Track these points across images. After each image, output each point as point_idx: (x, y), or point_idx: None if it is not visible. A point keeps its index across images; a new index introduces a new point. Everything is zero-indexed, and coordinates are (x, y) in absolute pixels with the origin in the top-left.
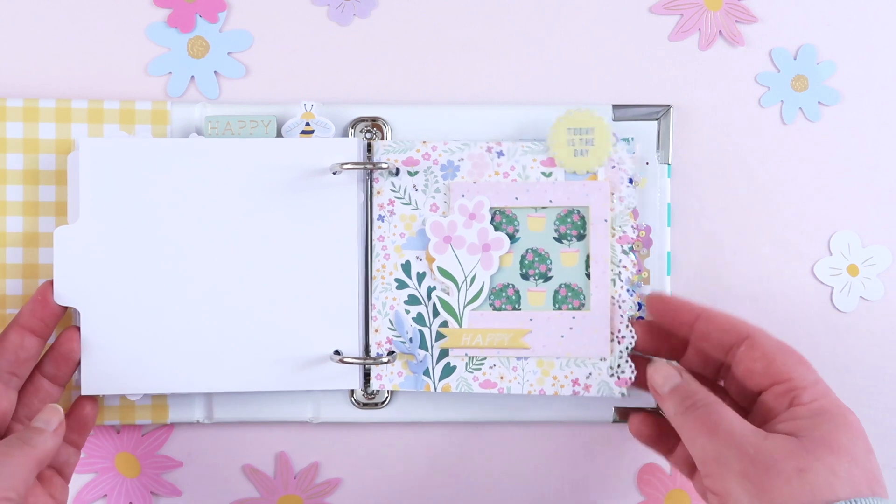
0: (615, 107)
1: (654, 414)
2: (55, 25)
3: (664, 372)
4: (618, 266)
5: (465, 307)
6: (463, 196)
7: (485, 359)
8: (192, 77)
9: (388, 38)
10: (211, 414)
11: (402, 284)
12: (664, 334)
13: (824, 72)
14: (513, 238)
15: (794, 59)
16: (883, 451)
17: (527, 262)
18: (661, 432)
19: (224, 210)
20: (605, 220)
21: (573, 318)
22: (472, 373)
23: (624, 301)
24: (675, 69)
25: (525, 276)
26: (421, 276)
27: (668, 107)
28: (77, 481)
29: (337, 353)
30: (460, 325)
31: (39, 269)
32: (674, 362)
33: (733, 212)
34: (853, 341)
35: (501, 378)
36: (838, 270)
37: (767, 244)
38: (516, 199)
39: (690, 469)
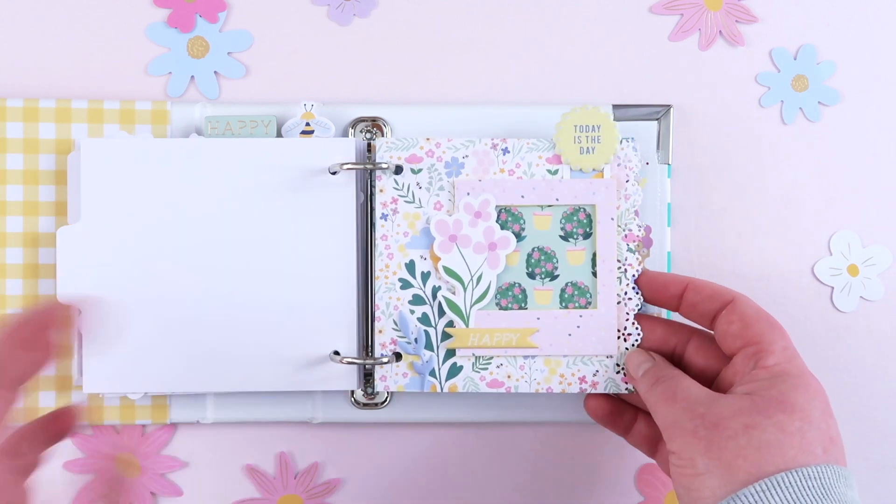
0: (615, 107)
1: (611, 394)
2: (55, 25)
3: (638, 358)
4: (623, 264)
5: (471, 307)
6: (468, 194)
7: (491, 358)
8: (192, 77)
9: (388, 38)
10: (211, 414)
11: (406, 284)
12: (669, 329)
13: (824, 72)
14: (519, 236)
15: (794, 59)
16: (883, 451)
17: (533, 260)
18: (616, 411)
19: (224, 210)
20: (612, 219)
21: (580, 316)
22: (478, 372)
23: (630, 299)
24: (675, 69)
25: (531, 275)
26: (425, 276)
27: (668, 107)
28: (77, 481)
29: (336, 353)
30: (467, 325)
31: (39, 269)
32: (652, 353)
33: (733, 212)
34: (853, 341)
35: (509, 377)
36: (838, 270)
37: (767, 244)
38: (522, 197)
39: (650, 447)
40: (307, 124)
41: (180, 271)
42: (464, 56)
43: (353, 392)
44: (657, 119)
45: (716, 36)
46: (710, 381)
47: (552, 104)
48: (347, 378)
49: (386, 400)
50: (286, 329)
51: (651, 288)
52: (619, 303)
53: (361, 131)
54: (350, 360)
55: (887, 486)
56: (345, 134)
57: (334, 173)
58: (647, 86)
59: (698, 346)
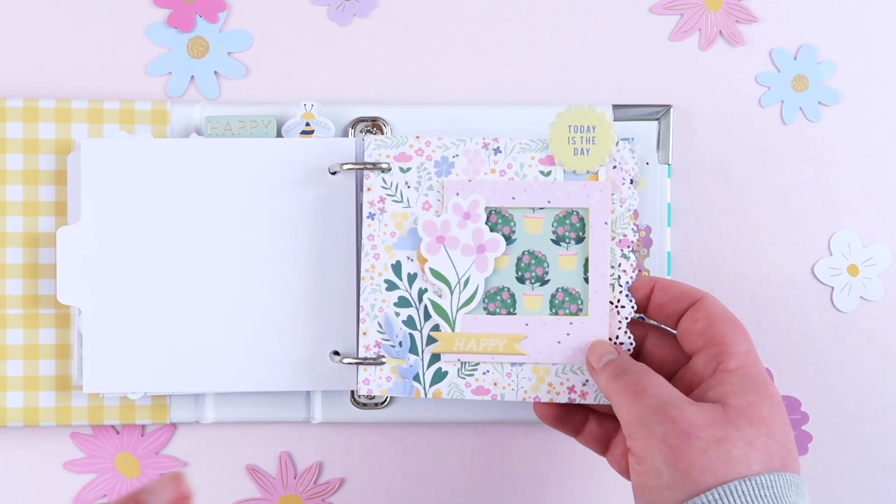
0: (615, 107)
1: None
2: (55, 25)
3: (601, 349)
4: (617, 270)
5: (458, 311)
6: (457, 194)
7: (478, 364)
8: (192, 77)
9: (388, 38)
10: (211, 414)
11: (391, 286)
12: (664, 338)
13: (824, 72)
14: (509, 239)
15: (795, 59)
16: (883, 451)
17: (523, 264)
18: (566, 413)
19: (224, 210)
20: (606, 223)
21: (570, 323)
22: (464, 378)
23: (623, 306)
24: (675, 69)
25: (521, 280)
26: (412, 278)
27: (668, 107)
28: (77, 481)
29: (336, 353)
30: (453, 330)
31: (39, 269)
32: (618, 347)
33: (733, 212)
34: (853, 341)
35: (495, 384)
36: (838, 270)
37: (767, 244)
38: (513, 198)
39: (602, 446)
40: (307, 124)
41: (180, 271)
42: (463, 56)
43: (353, 392)
44: (657, 119)
45: (716, 36)
46: (667, 379)
47: (552, 104)
48: (348, 378)
49: (386, 400)
50: (286, 329)
51: None
52: (611, 310)
53: (361, 131)
54: (350, 360)
55: (887, 486)
56: (345, 134)
57: (334, 173)
58: (647, 86)
59: (656, 343)
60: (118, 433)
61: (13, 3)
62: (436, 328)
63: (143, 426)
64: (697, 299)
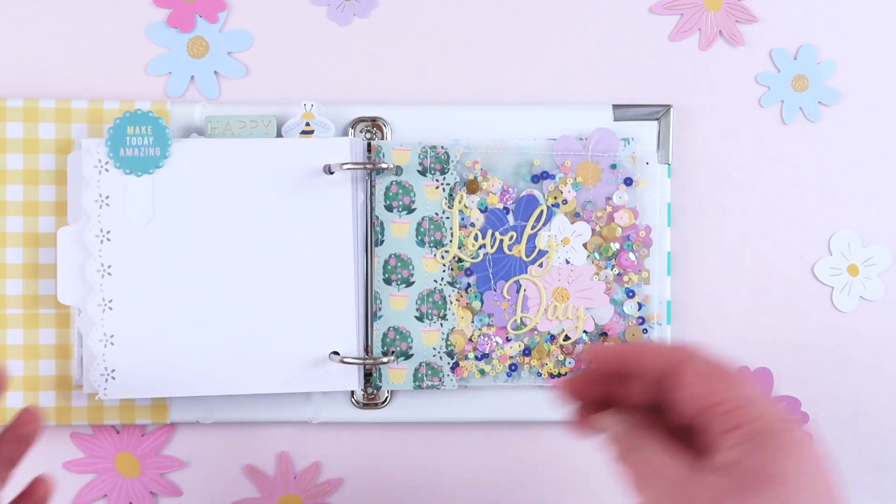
0: (615, 107)
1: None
2: (55, 25)
3: (604, 423)
4: None
5: None
6: None
7: None
8: (192, 77)
9: (388, 38)
10: (211, 414)
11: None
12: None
13: (824, 72)
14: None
15: (795, 59)
16: (883, 451)
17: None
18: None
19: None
20: None
21: None
22: None
23: None
24: (675, 69)
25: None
26: None
27: (668, 107)
28: (77, 481)
29: (335, 353)
30: None
31: (39, 269)
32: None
33: (733, 212)
34: (853, 341)
35: None
36: (838, 270)
37: (767, 244)
38: None
39: None
40: (307, 124)
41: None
42: (464, 56)
43: (353, 392)
44: (657, 119)
45: (716, 36)
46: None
47: (552, 104)
48: (348, 378)
49: (386, 400)
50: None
51: (594, 360)
52: None
53: (361, 131)
54: (349, 360)
55: (887, 486)
56: (345, 134)
57: (332, 173)
58: (647, 86)
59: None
60: (118, 433)
61: (13, 3)
62: None
63: (143, 426)
64: (683, 360)
